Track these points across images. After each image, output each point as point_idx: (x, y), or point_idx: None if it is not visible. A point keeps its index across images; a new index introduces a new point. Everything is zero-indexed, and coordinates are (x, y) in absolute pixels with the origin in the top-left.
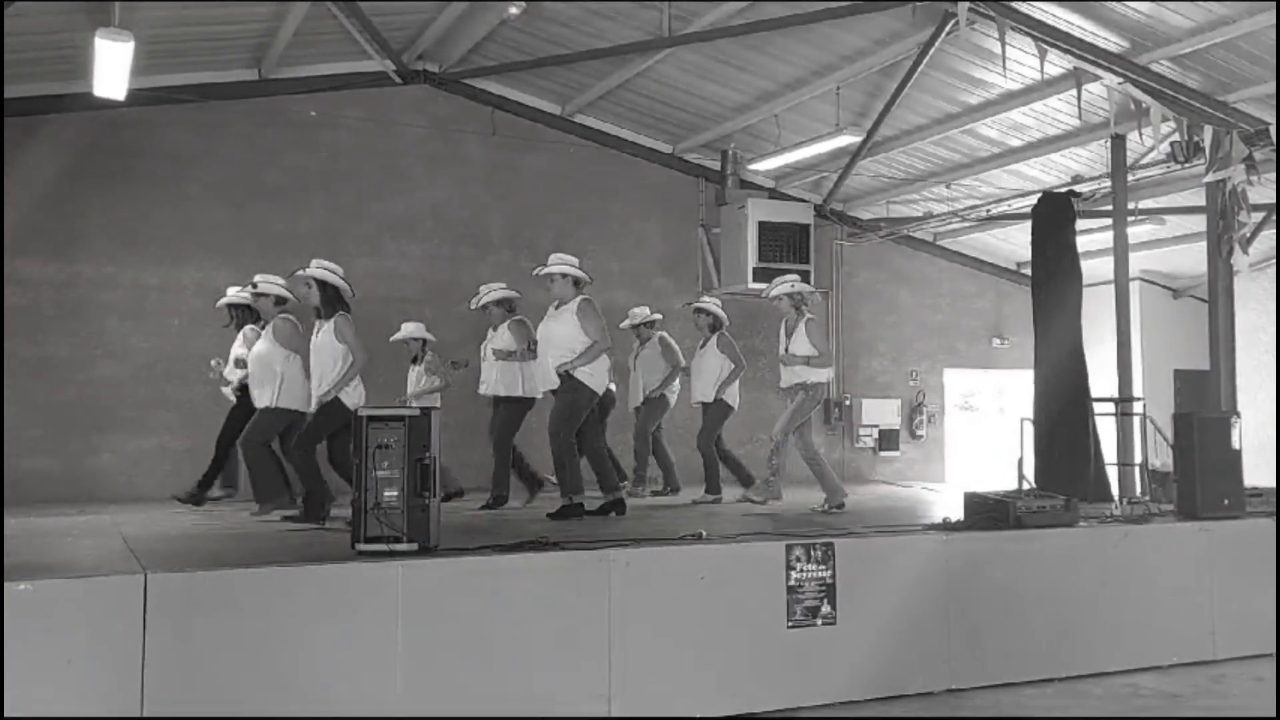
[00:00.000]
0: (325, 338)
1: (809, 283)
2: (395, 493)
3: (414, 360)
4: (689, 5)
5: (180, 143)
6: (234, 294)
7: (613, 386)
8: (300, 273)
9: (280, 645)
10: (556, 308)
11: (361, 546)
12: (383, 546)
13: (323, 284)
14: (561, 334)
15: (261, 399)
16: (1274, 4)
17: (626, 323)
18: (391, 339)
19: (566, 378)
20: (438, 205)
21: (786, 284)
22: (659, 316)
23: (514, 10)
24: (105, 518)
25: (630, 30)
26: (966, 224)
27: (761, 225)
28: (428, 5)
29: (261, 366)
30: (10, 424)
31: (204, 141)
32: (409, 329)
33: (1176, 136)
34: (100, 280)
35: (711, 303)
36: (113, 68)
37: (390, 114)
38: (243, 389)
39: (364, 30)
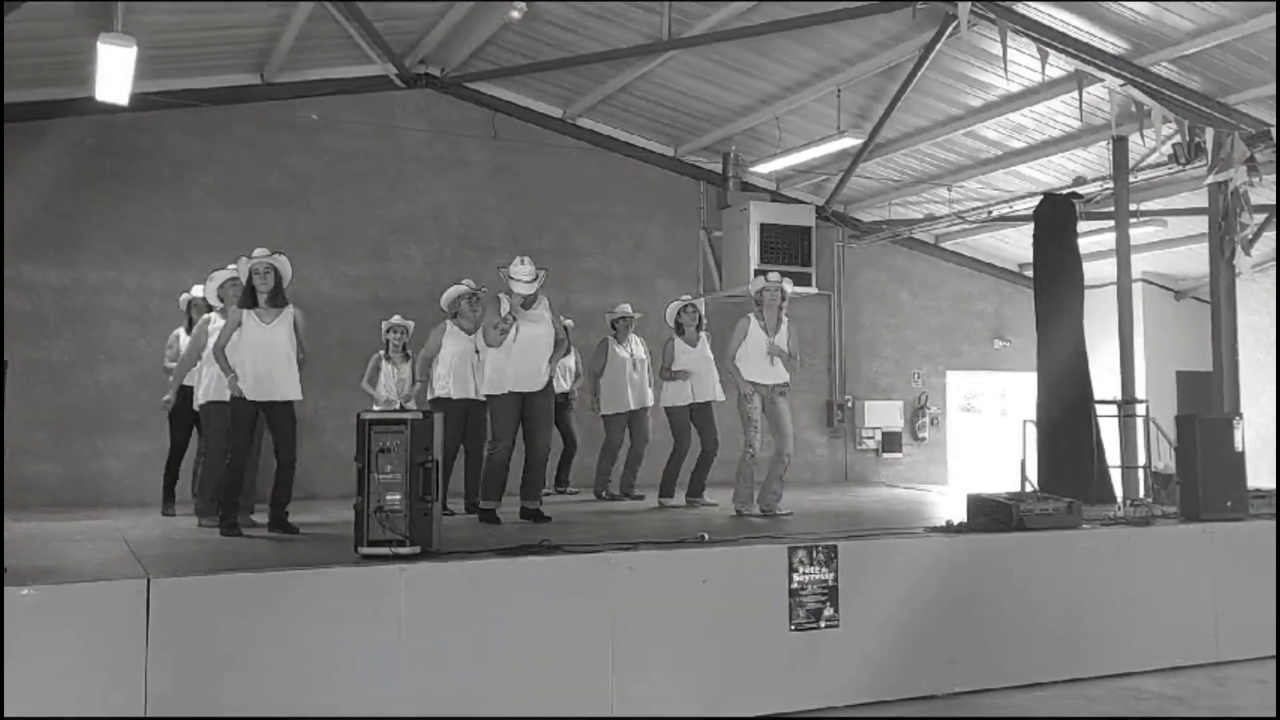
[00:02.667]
0: (283, 329)
1: (812, 283)
2: (398, 496)
3: (405, 355)
4: (690, 8)
5: (183, 147)
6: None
7: None
8: (268, 259)
9: (283, 649)
10: (526, 307)
11: (364, 550)
12: (385, 550)
13: (280, 272)
14: (548, 335)
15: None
16: (1274, 6)
17: (613, 315)
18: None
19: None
20: (440, 209)
21: (786, 280)
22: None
23: (515, 14)
24: (108, 522)
25: (631, 34)
26: (968, 226)
27: (763, 227)
28: (429, 9)
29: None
30: (13, 428)
31: (207, 145)
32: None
33: (1178, 138)
34: (103, 284)
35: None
36: (116, 73)
37: (392, 118)
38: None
39: (366, 34)
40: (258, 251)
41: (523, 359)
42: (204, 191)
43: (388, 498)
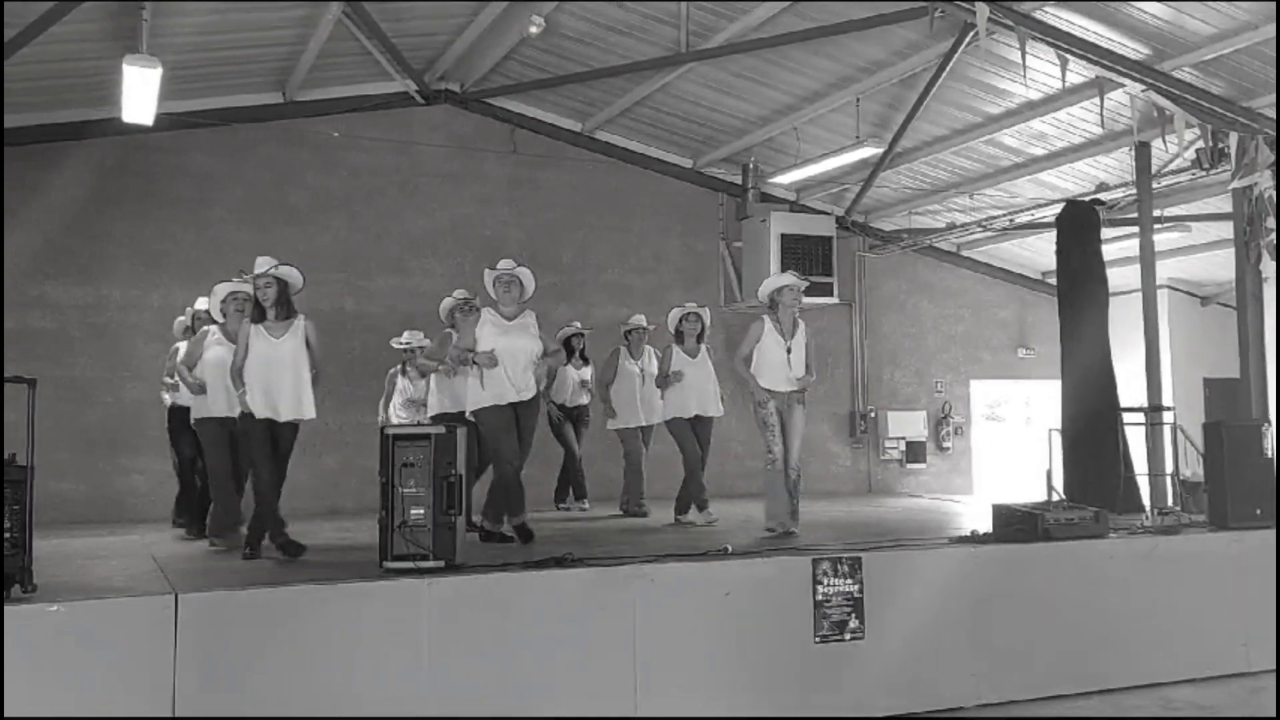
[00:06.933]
0: (291, 342)
1: (833, 293)
2: (422, 510)
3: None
4: (707, 21)
5: (205, 165)
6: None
7: None
8: (270, 270)
9: (309, 663)
10: (511, 319)
11: (389, 564)
12: (409, 564)
13: (283, 282)
14: (529, 347)
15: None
16: (1275, 9)
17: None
18: (409, 344)
19: (532, 392)
20: (459, 223)
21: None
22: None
23: (534, 29)
24: (135, 538)
25: (649, 46)
26: (990, 234)
27: (784, 238)
28: (449, 25)
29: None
30: (38, 446)
31: (229, 164)
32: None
33: (1201, 143)
34: (127, 302)
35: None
36: (141, 93)
37: (411, 134)
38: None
39: (386, 51)
40: (259, 262)
41: (502, 371)
42: (226, 209)
43: (412, 512)
